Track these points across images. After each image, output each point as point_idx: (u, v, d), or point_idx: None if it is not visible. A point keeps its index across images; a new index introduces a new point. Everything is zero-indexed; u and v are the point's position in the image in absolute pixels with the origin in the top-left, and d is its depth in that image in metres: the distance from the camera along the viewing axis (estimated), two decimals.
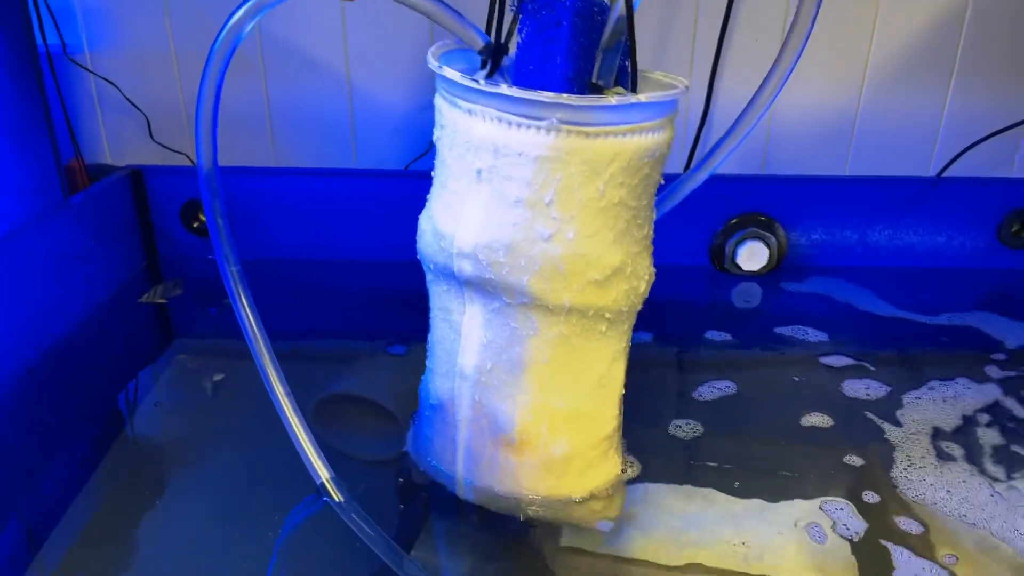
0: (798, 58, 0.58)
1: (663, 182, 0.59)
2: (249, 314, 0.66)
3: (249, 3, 0.58)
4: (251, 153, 1.16)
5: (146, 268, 1.14)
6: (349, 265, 1.15)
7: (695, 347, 0.97)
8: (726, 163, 0.65)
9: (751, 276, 1.15)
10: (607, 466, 0.67)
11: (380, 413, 0.81)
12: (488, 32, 0.58)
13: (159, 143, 1.14)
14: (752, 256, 1.13)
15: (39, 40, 0.98)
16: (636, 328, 0.64)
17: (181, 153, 1.15)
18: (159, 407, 0.83)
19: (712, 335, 0.98)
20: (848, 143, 1.15)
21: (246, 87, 1.12)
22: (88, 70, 1.11)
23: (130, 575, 0.60)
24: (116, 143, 1.16)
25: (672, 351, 0.97)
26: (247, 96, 1.13)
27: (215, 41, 0.60)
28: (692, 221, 1.14)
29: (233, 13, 0.59)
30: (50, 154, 0.96)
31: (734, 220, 1.14)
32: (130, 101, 1.12)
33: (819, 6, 0.56)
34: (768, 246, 1.13)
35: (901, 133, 1.14)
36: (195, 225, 1.15)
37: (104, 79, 1.11)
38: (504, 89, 0.50)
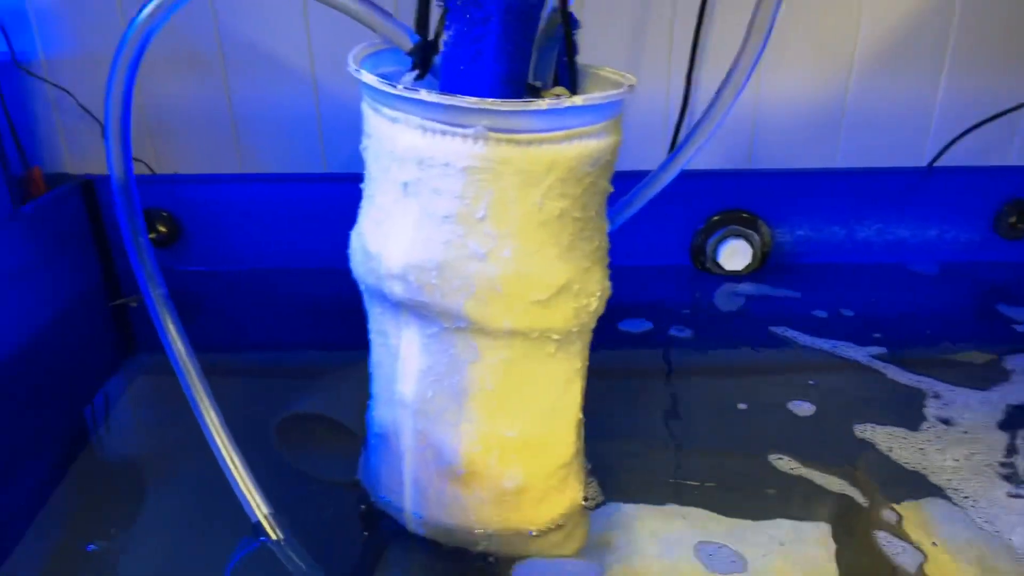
0: (763, 48, 0.55)
1: (612, 189, 0.54)
2: (178, 342, 0.61)
3: (155, 2, 0.53)
4: (215, 159, 1.12)
5: (102, 281, 1.11)
6: (319, 274, 1.10)
7: (672, 353, 0.93)
8: (709, 157, 0.61)
9: (734, 276, 1.11)
10: (566, 496, 0.63)
11: (343, 433, 0.79)
12: (418, 31, 0.53)
13: None
14: (734, 255, 1.09)
15: None
16: (608, 334, 0.59)
17: (140, 161, 1.11)
18: (110, 429, 0.81)
19: (691, 340, 0.95)
20: (838, 134, 1.10)
21: (207, 89, 1.08)
22: (40, 77, 1.07)
23: None
24: (76, 152, 1.12)
25: (648, 357, 0.93)
26: (209, 99, 1.08)
27: (122, 40, 0.55)
28: (671, 219, 1.10)
29: (140, 11, 0.54)
30: None
31: (715, 217, 1.10)
32: (84, 108, 1.08)
33: None
34: (751, 244, 1.09)
35: (893, 121, 1.10)
36: (152, 236, 1.11)
37: (57, 86, 1.07)
38: (423, 94, 0.46)
